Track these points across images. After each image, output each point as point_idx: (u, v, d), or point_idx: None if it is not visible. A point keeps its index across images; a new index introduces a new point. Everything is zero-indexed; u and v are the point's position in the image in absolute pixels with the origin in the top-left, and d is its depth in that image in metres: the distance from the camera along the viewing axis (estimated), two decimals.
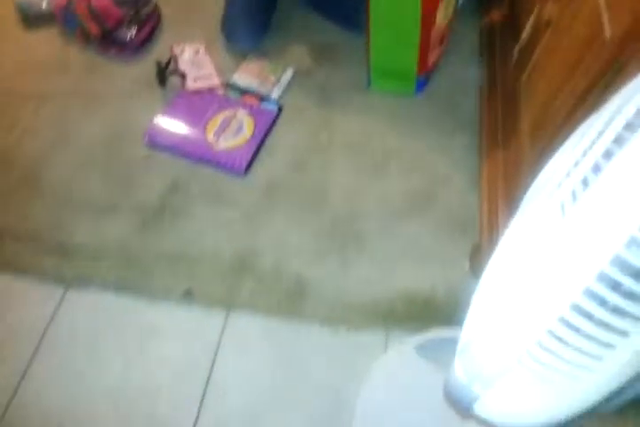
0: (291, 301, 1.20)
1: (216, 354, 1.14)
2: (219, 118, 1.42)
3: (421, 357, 1.18)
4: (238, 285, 1.21)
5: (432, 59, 1.45)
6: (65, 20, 1.56)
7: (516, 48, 1.31)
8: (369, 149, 1.43)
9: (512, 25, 1.39)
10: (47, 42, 1.57)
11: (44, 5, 1.57)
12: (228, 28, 1.56)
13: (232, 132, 1.40)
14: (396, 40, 1.36)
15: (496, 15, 1.56)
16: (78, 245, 1.22)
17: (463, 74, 1.57)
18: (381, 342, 1.17)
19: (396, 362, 1.18)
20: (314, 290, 1.21)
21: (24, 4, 1.59)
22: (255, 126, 1.41)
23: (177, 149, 1.37)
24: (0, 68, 1.51)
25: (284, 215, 1.30)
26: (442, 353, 1.19)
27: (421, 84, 1.49)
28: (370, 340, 1.17)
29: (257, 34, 1.56)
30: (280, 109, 1.46)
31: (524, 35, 1.27)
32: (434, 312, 1.20)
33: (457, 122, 1.48)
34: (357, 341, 1.17)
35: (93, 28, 1.52)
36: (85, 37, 1.55)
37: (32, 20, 1.60)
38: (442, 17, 1.33)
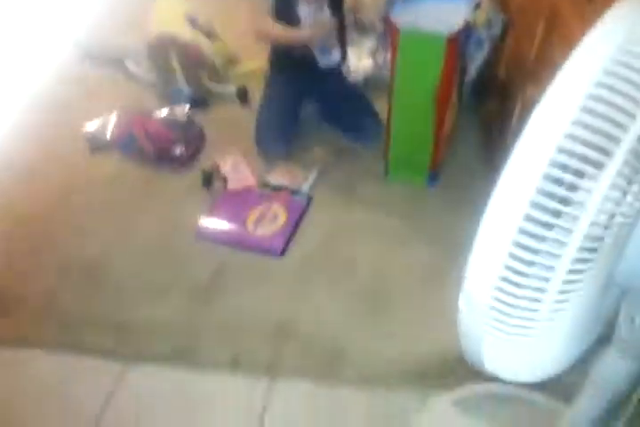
0: (330, 364, 1.29)
1: (262, 419, 1.21)
2: (256, 211, 1.64)
3: (459, 412, 1.23)
4: (280, 351, 1.31)
5: (442, 154, 1.69)
6: (124, 144, 1.87)
7: (510, 130, 1.53)
8: (390, 228, 1.61)
9: (504, 112, 1.62)
10: (110, 163, 1.87)
11: (108, 134, 1.90)
12: (259, 139, 1.85)
13: (268, 221, 1.60)
14: (412, 139, 1.62)
15: (491, 107, 1.82)
16: (136, 323, 1.37)
17: (470, 163, 1.81)
18: (419, 400, 1.23)
19: (435, 419, 1.22)
20: (351, 353, 1.31)
21: (92, 135, 1.91)
22: (288, 215, 1.62)
23: (222, 238, 1.57)
24: (71, 190, 1.78)
25: (318, 286, 1.45)
26: (479, 408, 1.23)
27: (434, 176, 1.72)
28: (408, 398, 1.24)
29: (284, 143, 1.84)
30: (309, 200, 1.68)
31: (514, 119, 1.50)
32: (467, 368, 1.26)
33: (467, 204, 1.66)
34: (396, 400, 1.23)
35: (149, 149, 1.82)
36: (142, 156, 1.84)
37: (97, 147, 1.92)
38: (449, 119, 1.60)
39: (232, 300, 1.42)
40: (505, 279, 0.53)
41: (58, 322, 1.39)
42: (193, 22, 2.15)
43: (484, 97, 1.89)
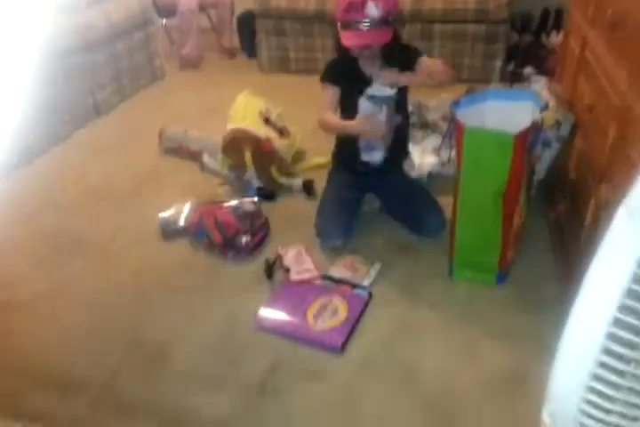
0: None
1: None
2: (317, 304, 1.62)
3: None
4: None
5: (511, 254, 1.65)
6: (195, 233, 1.95)
7: (583, 232, 1.48)
8: (455, 330, 1.55)
9: (575, 212, 1.58)
10: (179, 249, 1.94)
11: (181, 222, 1.99)
12: (319, 229, 1.89)
13: (329, 315, 1.58)
14: (478, 239, 1.60)
15: (560, 208, 1.78)
16: (189, 417, 1.34)
17: (539, 261, 1.75)
18: None
19: None
20: None
21: (165, 222, 2.01)
22: (349, 310, 1.59)
23: (281, 331, 1.56)
24: (141, 275, 1.85)
25: (376, 392, 1.38)
26: None
27: (502, 275, 1.67)
28: None
29: (342, 233, 1.86)
30: (370, 295, 1.65)
31: (587, 220, 1.46)
32: None
33: (538, 305, 1.61)
34: None
35: (217, 237, 1.88)
36: (210, 244, 1.90)
37: (169, 234, 2.00)
38: (517, 219, 1.58)
39: (286, 401, 1.37)
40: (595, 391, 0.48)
41: (115, 407, 1.38)
42: (267, 119, 2.30)
43: (553, 197, 1.87)
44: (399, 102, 1.79)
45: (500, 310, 1.60)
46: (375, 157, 1.89)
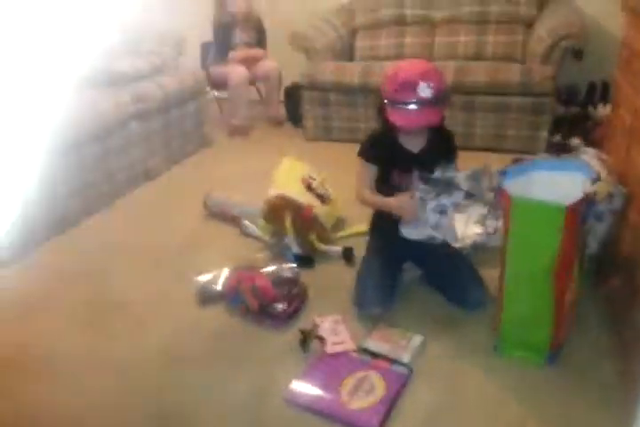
0: None
1: None
2: (352, 379, 1.53)
3: None
4: None
5: (563, 334, 1.54)
6: (231, 298, 1.92)
7: (637, 309, 1.37)
8: (503, 411, 1.42)
9: (630, 289, 1.48)
10: (214, 315, 1.90)
11: (218, 287, 1.97)
12: (358, 298, 1.82)
13: (364, 392, 1.48)
14: (527, 316, 1.50)
15: (614, 283, 1.67)
16: None
17: (593, 341, 1.63)
18: None
19: None
20: None
21: (202, 287, 1.99)
22: (387, 387, 1.49)
23: (314, 407, 1.46)
24: (175, 339, 1.81)
25: None
26: None
27: (553, 355, 1.55)
28: None
29: (382, 303, 1.79)
30: (411, 371, 1.55)
31: None
32: None
33: (593, 387, 1.46)
34: None
35: (253, 303, 1.84)
36: (246, 311, 1.86)
37: (206, 299, 1.98)
38: (570, 295, 1.48)
39: None
40: None
41: None
42: (309, 186, 2.32)
43: (607, 272, 1.76)
44: None
45: (551, 395, 1.47)
46: (414, 233, 1.83)
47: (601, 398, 1.44)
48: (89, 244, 2.41)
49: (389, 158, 1.83)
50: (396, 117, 1.72)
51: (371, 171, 1.87)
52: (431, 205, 1.72)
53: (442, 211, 1.73)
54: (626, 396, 1.40)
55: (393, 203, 1.79)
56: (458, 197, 1.72)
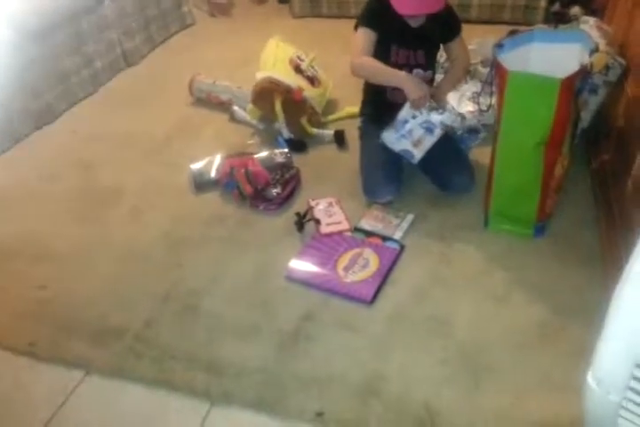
0: None
1: None
2: (347, 256, 1.61)
3: None
4: (366, 410, 1.25)
5: (550, 206, 1.58)
6: (226, 184, 1.94)
7: (629, 180, 1.40)
8: (489, 283, 1.52)
9: (622, 160, 1.50)
10: (210, 202, 1.93)
11: (212, 174, 1.98)
12: (370, 186, 1.82)
13: (359, 267, 1.57)
14: (517, 190, 1.53)
15: (605, 157, 1.69)
16: (225, 364, 1.37)
17: (579, 213, 1.69)
18: None
19: None
20: (443, 420, 1.21)
21: (197, 174, 2.00)
22: (380, 262, 1.58)
23: (312, 282, 1.56)
24: (173, 225, 1.86)
25: (409, 342, 1.38)
26: None
27: (540, 227, 1.61)
28: None
29: (396, 191, 1.80)
30: (402, 247, 1.63)
31: (635, 169, 1.38)
32: None
33: (577, 256, 1.56)
34: None
35: (247, 189, 1.87)
36: (240, 196, 1.89)
37: (200, 185, 2.00)
38: (559, 168, 1.50)
39: (319, 349, 1.39)
40: None
41: (152, 355, 1.41)
42: (298, 67, 2.23)
43: (597, 145, 1.77)
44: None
45: (537, 263, 1.56)
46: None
47: (582, 263, 1.53)
48: (72, 135, 2.37)
49: (389, 29, 1.72)
50: (400, 5, 1.63)
51: (370, 38, 1.72)
52: (419, 119, 1.68)
53: (428, 128, 1.69)
54: (604, 259, 1.50)
55: (402, 74, 1.68)
56: (448, 118, 1.69)
